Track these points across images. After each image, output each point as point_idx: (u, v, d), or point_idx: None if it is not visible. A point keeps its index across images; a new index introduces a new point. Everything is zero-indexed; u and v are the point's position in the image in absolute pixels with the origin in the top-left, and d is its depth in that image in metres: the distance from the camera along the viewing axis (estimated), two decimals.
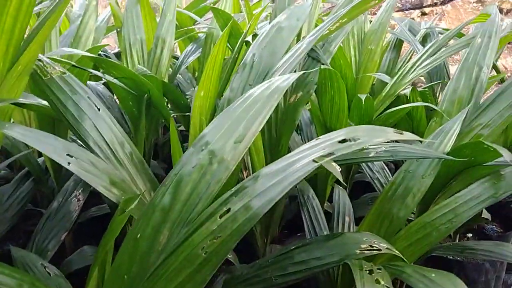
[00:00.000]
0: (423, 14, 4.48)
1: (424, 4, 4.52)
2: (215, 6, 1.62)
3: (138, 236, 0.48)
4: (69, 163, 0.63)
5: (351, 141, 0.48)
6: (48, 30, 0.70)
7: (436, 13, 4.44)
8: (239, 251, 1.04)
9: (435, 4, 4.50)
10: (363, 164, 1.05)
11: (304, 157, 0.48)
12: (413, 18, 4.44)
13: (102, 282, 0.63)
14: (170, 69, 1.57)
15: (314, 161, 0.46)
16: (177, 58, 1.65)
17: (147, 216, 0.49)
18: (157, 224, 0.48)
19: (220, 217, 0.45)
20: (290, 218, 1.29)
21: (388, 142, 0.81)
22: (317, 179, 1.07)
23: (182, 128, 1.50)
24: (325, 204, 1.19)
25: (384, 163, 1.19)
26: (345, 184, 1.35)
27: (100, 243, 0.63)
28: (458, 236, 1.30)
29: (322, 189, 1.09)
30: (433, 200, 0.94)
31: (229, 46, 1.35)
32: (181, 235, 0.46)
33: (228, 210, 0.45)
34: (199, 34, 1.67)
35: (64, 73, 0.75)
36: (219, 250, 0.43)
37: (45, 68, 0.76)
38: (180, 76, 1.68)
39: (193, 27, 1.64)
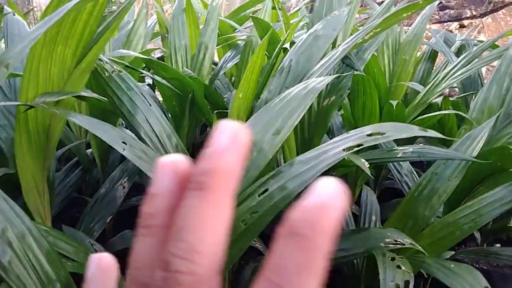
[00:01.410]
0: (462, 26, 4.42)
1: (463, 16, 4.46)
2: (255, 15, 1.70)
3: None
4: (123, 149, 0.71)
5: (379, 135, 0.53)
6: (110, 34, 0.79)
7: (475, 26, 4.37)
8: (269, 245, 1.10)
9: (475, 17, 4.44)
10: (392, 167, 1.09)
11: (335, 147, 0.54)
12: (451, 31, 4.39)
13: None
14: (209, 74, 1.66)
15: (344, 150, 0.52)
16: (216, 64, 1.75)
17: None
18: None
19: (259, 195, 0.52)
20: None
21: (416, 144, 0.85)
22: (347, 179, 1.12)
23: None
24: (353, 206, 1.23)
25: (414, 168, 1.22)
26: (373, 189, 1.38)
27: None
28: (485, 245, 1.30)
29: (351, 190, 1.14)
30: (459, 204, 0.97)
31: (266, 53, 1.43)
32: None
33: (266, 190, 0.52)
34: (238, 42, 1.76)
35: (121, 71, 0.84)
36: (257, 223, 0.49)
37: (105, 67, 0.86)
38: (217, 81, 1.77)
39: (233, 34, 1.73)
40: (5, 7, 1.10)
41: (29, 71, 0.71)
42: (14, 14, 1.01)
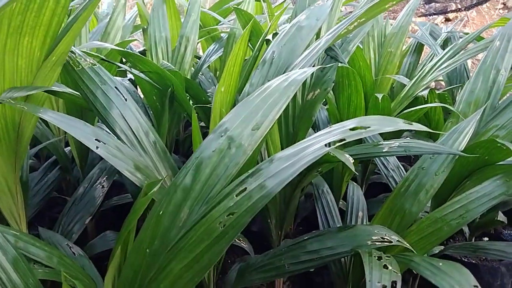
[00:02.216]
0: (447, 20, 4.44)
1: (448, 10, 4.47)
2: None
3: (161, 212, 0.52)
4: (97, 147, 0.67)
5: (362, 129, 0.51)
6: (82, 23, 0.74)
7: (460, 19, 4.39)
8: (254, 244, 1.08)
9: (460, 10, 4.45)
10: (379, 161, 1.07)
11: (317, 142, 0.51)
12: (436, 24, 4.40)
13: (124, 259, 0.67)
14: (192, 68, 1.62)
15: (326, 145, 0.49)
16: (199, 58, 1.70)
17: (169, 195, 0.53)
18: (178, 202, 0.52)
19: (237, 195, 0.49)
20: (305, 215, 1.31)
21: (402, 138, 0.82)
22: (333, 175, 1.09)
23: (202, 124, 1.54)
24: (340, 202, 1.21)
25: (401, 162, 1.21)
26: (360, 184, 1.37)
27: (123, 224, 0.67)
28: (474, 239, 1.30)
29: (337, 186, 1.12)
30: (447, 199, 0.95)
31: (250, 46, 1.39)
32: (200, 212, 0.50)
33: (244, 189, 0.49)
34: (221, 34, 1.72)
35: (95, 64, 0.80)
36: (235, 224, 0.46)
37: (77, 59, 0.81)
38: (201, 75, 1.73)
39: (216, 27, 1.69)
40: None
41: None
42: None
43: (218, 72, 1.83)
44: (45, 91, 0.79)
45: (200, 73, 1.66)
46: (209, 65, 1.68)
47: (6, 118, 0.76)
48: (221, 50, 1.61)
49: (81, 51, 0.83)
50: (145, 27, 1.70)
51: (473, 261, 1.25)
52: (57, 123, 0.68)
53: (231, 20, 1.91)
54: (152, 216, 0.54)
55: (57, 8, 0.64)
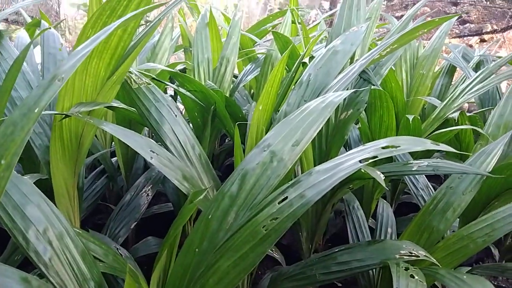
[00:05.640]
0: (482, 40, 4.40)
1: (484, 31, 4.44)
2: (275, 30, 1.75)
3: (210, 217, 0.59)
4: (151, 158, 0.75)
5: (393, 147, 0.56)
6: (141, 48, 0.84)
7: (496, 40, 4.34)
8: (284, 256, 1.13)
9: (496, 31, 4.41)
10: (409, 180, 1.11)
11: (351, 158, 0.57)
12: (471, 45, 4.37)
13: (170, 260, 0.74)
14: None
15: (360, 161, 0.55)
16: (235, 77, 1.79)
17: (217, 201, 0.60)
18: (225, 208, 0.59)
19: (279, 203, 0.55)
20: (334, 232, 1.36)
21: (431, 159, 0.87)
22: (363, 192, 1.14)
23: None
24: (369, 220, 1.25)
25: (431, 183, 1.24)
26: (390, 202, 1.40)
27: (170, 228, 0.74)
28: (504, 262, 1.30)
29: (367, 203, 1.16)
30: (475, 219, 0.98)
31: (285, 67, 1.47)
32: (245, 217, 0.56)
33: (286, 198, 0.55)
34: (257, 55, 1.80)
35: (149, 83, 0.89)
36: (278, 228, 0.52)
37: (133, 79, 0.91)
38: (237, 93, 1.81)
39: (253, 48, 1.77)
40: (42, 21, 1.17)
41: (66, 82, 0.76)
42: (50, 28, 1.07)
43: (252, 91, 1.92)
44: (105, 107, 0.89)
45: (236, 91, 1.74)
46: (244, 84, 1.77)
47: (71, 129, 0.85)
48: (257, 70, 1.69)
49: (137, 71, 0.92)
50: (186, 47, 1.82)
51: (503, 285, 1.25)
52: (116, 135, 0.76)
53: (266, 40, 2.01)
54: (201, 220, 0.61)
55: (123, 35, 0.73)
